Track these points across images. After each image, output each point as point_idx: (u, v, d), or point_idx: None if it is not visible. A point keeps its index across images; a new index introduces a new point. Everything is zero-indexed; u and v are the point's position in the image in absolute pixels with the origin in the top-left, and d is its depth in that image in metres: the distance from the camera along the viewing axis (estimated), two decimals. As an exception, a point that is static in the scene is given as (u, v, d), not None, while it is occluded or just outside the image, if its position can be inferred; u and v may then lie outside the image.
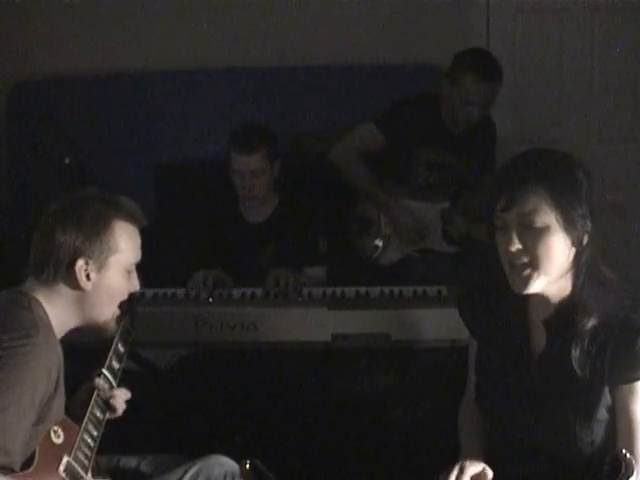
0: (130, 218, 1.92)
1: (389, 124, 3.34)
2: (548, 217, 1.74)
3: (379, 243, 3.37)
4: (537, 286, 1.78)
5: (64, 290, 1.85)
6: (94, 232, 1.85)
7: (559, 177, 1.76)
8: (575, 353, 1.77)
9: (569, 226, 1.74)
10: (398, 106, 3.39)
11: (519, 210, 1.75)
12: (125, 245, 1.90)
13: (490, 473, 1.79)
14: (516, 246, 1.75)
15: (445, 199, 3.39)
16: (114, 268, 1.89)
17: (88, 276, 1.85)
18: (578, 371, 1.77)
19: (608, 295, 1.79)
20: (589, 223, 1.76)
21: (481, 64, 3.24)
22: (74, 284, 1.85)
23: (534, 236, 1.75)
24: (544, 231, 1.74)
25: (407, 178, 3.39)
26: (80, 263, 1.83)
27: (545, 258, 1.75)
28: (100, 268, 1.86)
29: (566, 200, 1.74)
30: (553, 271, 1.77)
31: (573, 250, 1.77)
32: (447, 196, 3.39)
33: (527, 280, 1.77)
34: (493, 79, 3.25)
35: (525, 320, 1.89)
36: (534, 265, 1.76)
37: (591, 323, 1.77)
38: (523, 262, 1.76)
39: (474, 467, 1.78)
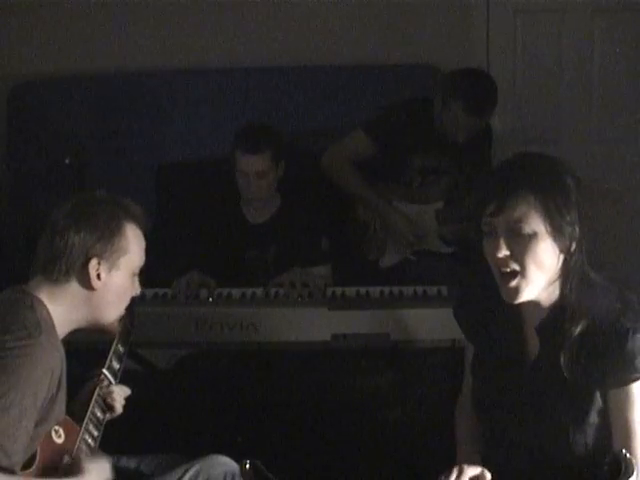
0: (137, 221, 1.95)
1: (379, 132, 3.28)
2: (536, 224, 1.73)
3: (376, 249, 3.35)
4: (526, 295, 1.78)
5: (72, 289, 1.86)
6: (107, 233, 1.87)
7: (548, 184, 1.75)
8: (565, 358, 1.77)
9: (557, 234, 1.73)
10: (388, 113, 3.33)
11: (507, 216, 1.74)
12: (134, 247, 1.92)
13: (488, 476, 1.79)
14: (504, 252, 1.75)
15: (439, 200, 3.35)
16: (123, 269, 1.90)
17: (99, 276, 1.86)
18: (568, 375, 1.77)
19: (597, 299, 1.78)
20: (577, 229, 1.75)
21: (473, 96, 3.10)
22: (84, 283, 1.86)
23: (522, 243, 1.74)
24: (532, 238, 1.73)
25: (400, 181, 3.35)
26: (93, 263, 1.85)
27: (533, 265, 1.74)
28: (111, 268, 1.88)
29: (555, 208, 1.73)
30: (541, 278, 1.76)
31: (561, 257, 1.76)
32: (441, 197, 3.35)
33: (516, 291, 1.77)
34: (482, 114, 3.16)
35: (520, 325, 1.89)
36: (522, 273, 1.75)
37: (581, 328, 1.77)
38: (511, 269, 1.75)
39: (472, 469, 1.78)
